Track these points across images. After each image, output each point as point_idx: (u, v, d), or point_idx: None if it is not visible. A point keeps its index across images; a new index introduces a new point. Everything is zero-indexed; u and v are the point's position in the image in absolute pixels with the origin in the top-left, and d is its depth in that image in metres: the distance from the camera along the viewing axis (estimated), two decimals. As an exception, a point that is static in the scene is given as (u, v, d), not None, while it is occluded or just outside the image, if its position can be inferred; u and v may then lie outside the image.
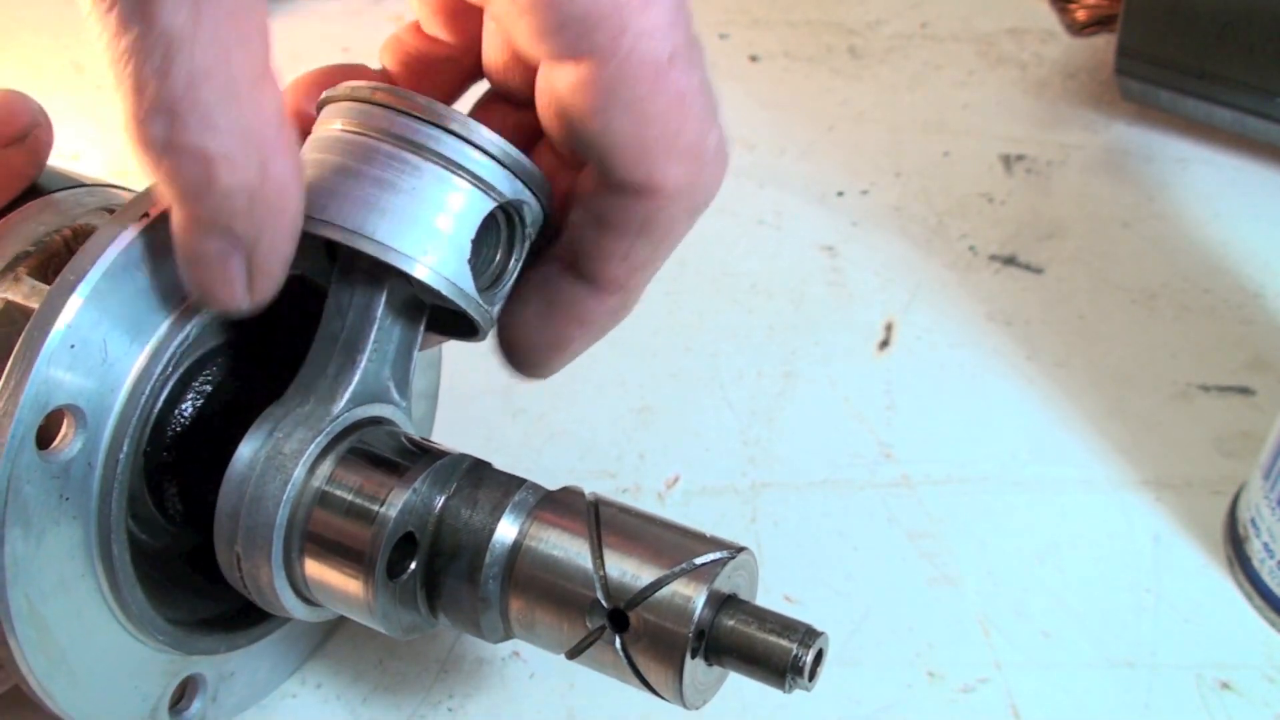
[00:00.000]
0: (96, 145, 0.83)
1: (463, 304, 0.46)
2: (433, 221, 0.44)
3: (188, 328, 0.45)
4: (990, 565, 0.61)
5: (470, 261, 0.45)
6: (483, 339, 0.49)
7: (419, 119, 0.45)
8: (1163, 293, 0.75)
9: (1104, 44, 0.88)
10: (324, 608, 0.48)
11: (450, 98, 0.51)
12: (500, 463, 0.48)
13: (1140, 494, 0.64)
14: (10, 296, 0.46)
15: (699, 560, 0.43)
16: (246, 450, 0.46)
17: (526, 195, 0.46)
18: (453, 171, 0.45)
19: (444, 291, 0.45)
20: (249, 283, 0.43)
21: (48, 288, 0.43)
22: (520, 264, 0.48)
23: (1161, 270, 0.77)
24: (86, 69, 0.92)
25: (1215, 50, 0.78)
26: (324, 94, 0.47)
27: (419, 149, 0.45)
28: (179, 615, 0.49)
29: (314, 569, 0.46)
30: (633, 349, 0.72)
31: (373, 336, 0.47)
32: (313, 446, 0.46)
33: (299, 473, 0.45)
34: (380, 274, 0.47)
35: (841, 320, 0.74)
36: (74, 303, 0.42)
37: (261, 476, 0.45)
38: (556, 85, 0.44)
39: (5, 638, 0.43)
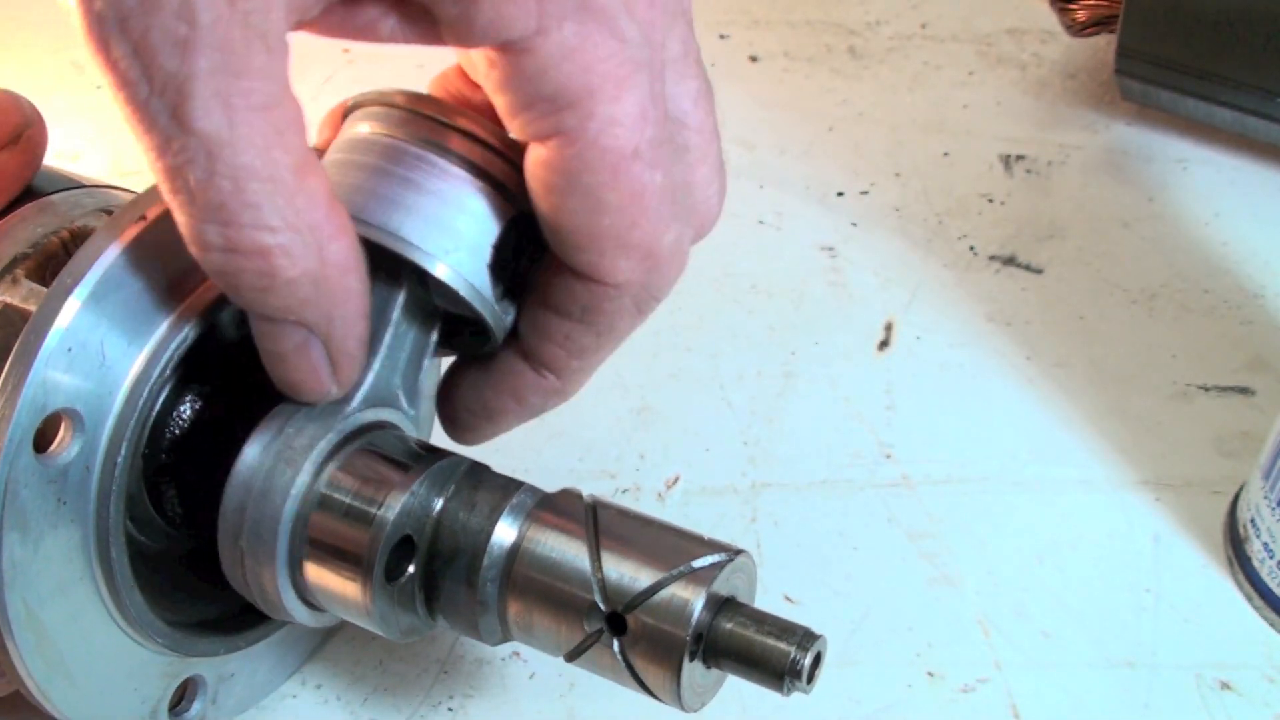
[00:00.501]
0: (96, 145, 0.83)
1: (479, 306, 0.46)
2: (455, 223, 0.45)
3: (185, 330, 0.45)
4: (990, 565, 0.61)
5: (488, 267, 0.45)
6: (492, 351, 0.49)
7: (446, 124, 0.45)
8: (1163, 293, 0.75)
9: (1104, 44, 0.88)
10: (325, 612, 0.48)
11: None
12: (500, 463, 0.48)
13: (1140, 494, 0.64)
14: (8, 299, 0.46)
15: (697, 563, 0.43)
16: (256, 445, 0.45)
17: None
18: (478, 176, 0.45)
19: (462, 292, 0.45)
20: (333, 369, 0.44)
21: (45, 290, 0.43)
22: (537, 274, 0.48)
23: (1161, 270, 0.77)
24: (86, 69, 0.92)
25: (1215, 50, 0.78)
26: (352, 99, 0.47)
27: (446, 152, 0.45)
28: (178, 617, 0.49)
29: (313, 572, 0.46)
30: (633, 349, 0.71)
31: (387, 340, 0.47)
32: (324, 443, 0.45)
33: (309, 467, 0.45)
34: (399, 275, 0.47)
35: (841, 320, 0.74)
36: (71, 305, 0.42)
37: (271, 471, 0.45)
38: (528, 160, 0.44)
39: (4, 642, 0.43)
